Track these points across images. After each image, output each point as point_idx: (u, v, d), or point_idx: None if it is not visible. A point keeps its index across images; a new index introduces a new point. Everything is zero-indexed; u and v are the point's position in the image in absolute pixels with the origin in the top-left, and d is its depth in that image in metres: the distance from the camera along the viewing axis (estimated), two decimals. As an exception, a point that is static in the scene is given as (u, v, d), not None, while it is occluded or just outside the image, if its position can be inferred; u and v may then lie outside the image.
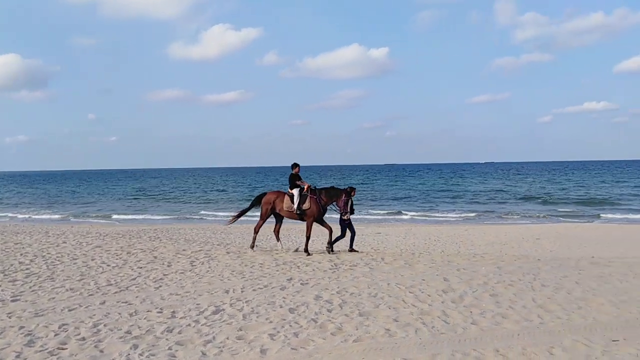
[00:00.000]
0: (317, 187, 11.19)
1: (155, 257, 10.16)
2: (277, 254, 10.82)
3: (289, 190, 11.12)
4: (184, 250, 11.18)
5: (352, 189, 11.25)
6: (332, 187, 11.28)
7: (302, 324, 5.68)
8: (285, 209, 10.99)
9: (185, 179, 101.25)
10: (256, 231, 11.57)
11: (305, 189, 10.94)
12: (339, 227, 11.49)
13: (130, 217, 32.97)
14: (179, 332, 5.40)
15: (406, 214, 32.56)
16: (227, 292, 7.25)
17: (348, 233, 11.55)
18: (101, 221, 30.34)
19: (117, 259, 9.92)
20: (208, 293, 7.19)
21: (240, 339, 5.18)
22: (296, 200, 10.83)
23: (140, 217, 32.98)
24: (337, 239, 11.53)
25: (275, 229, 11.55)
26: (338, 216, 11.44)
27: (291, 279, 8.10)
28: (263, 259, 9.98)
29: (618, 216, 30.11)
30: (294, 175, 11.14)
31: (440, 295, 6.97)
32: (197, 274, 8.53)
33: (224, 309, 6.29)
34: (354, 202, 11.36)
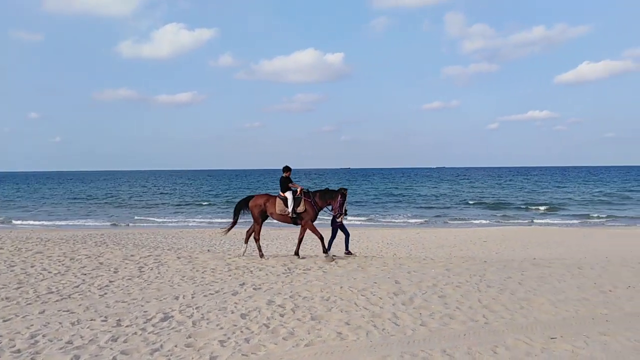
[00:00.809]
0: (310, 190, 10.97)
1: (101, 263, 9.75)
2: (229, 258, 10.65)
3: (280, 193, 10.85)
4: (132, 255, 10.79)
5: (345, 189, 10.97)
6: (327, 189, 11.04)
7: (253, 329, 5.62)
8: (278, 212, 10.69)
9: (133, 181, 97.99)
10: (257, 239, 11.10)
11: (298, 192, 10.73)
12: (331, 229, 11.36)
13: (63, 223, 31.12)
14: (124, 341, 5.19)
15: (359, 219, 32.97)
16: (176, 298, 7.05)
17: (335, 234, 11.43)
18: (25, 226, 28.86)
19: (59, 266, 9.43)
20: (156, 300, 6.97)
21: (189, 347, 5.05)
22: (291, 203, 10.58)
23: (72, 223, 31.19)
24: (330, 242, 11.37)
25: (249, 230, 11.27)
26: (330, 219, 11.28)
27: (244, 284, 8.00)
28: (215, 264, 9.79)
29: (558, 220, 31.81)
30: (286, 179, 10.88)
31: (391, 297, 7.09)
32: (146, 280, 8.25)
33: (172, 316, 6.12)
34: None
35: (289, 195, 10.69)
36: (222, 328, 5.65)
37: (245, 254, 11.30)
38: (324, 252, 10.81)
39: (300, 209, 10.60)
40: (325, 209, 10.97)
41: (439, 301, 6.88)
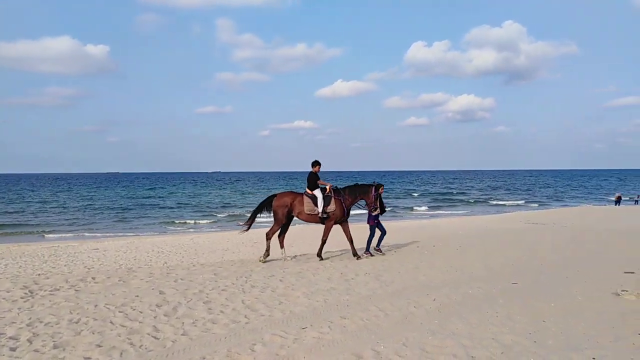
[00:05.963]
0: (338, 187, 10.29)
1: None
2: (-56, 287, 8.44)
3: (307, 190, 9.92)
4: None
5: (380, 185, 10.55)
6: (357, 184, 10.48)
7: (-31, 373, 4.55)
8: (306, 212, 9.85)
9: None
10: (269, 238, 10.28)
11: (327, 190, 9.94)
12: (370, 228, 11.13)
13: None
14: None
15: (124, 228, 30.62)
16: None
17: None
18: None
19: None
20: None
21: None
22: (321, 202, 9.74)
23: None
24: (381, 239, 11.13)
25: (280, 235, 10.63)
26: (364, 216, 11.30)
27: (-38, 317, 6.43)
28: None
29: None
30: (314, 175, 9.87)
31: (154, 310, 6.73)
32: None
33: None
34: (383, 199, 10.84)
35: (318, 193, 9.99)
36: None
37: (289, 257, 11.18)
38: (317, 254, 10.77)
39: (331, 208, 10.00)
40: (357, 204, 10.74)
41: (204, 307, 6.85)
